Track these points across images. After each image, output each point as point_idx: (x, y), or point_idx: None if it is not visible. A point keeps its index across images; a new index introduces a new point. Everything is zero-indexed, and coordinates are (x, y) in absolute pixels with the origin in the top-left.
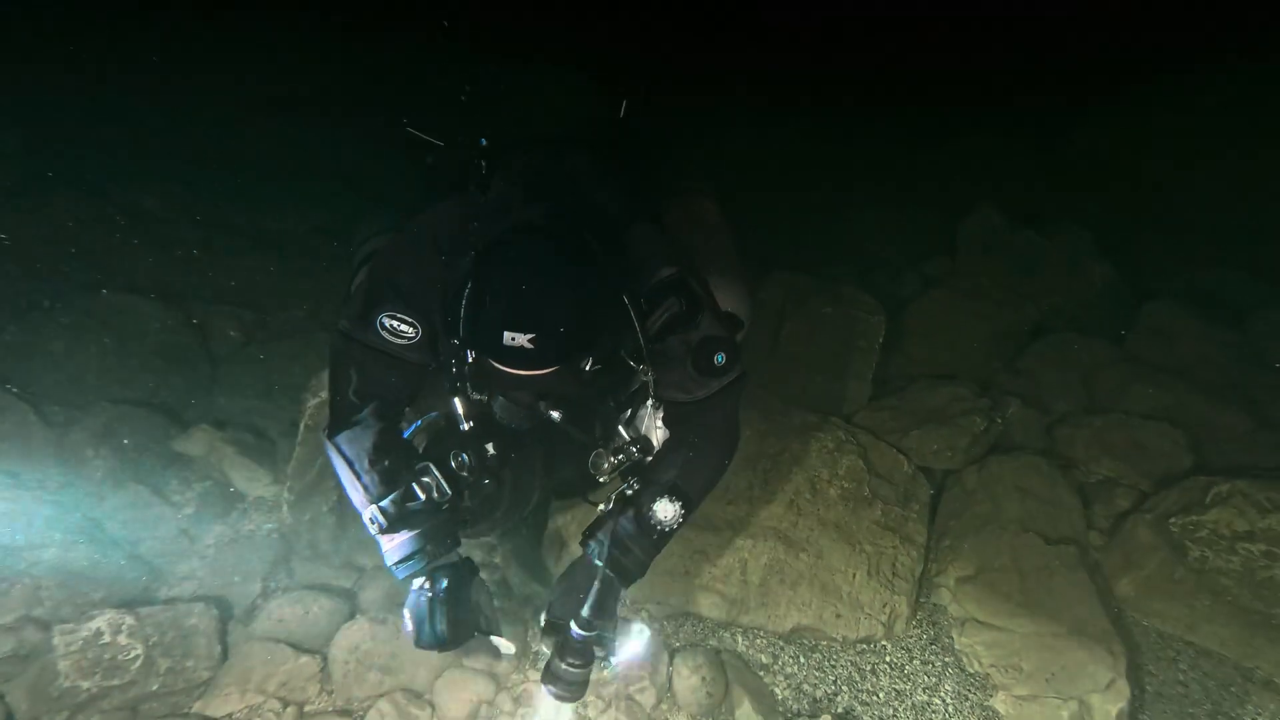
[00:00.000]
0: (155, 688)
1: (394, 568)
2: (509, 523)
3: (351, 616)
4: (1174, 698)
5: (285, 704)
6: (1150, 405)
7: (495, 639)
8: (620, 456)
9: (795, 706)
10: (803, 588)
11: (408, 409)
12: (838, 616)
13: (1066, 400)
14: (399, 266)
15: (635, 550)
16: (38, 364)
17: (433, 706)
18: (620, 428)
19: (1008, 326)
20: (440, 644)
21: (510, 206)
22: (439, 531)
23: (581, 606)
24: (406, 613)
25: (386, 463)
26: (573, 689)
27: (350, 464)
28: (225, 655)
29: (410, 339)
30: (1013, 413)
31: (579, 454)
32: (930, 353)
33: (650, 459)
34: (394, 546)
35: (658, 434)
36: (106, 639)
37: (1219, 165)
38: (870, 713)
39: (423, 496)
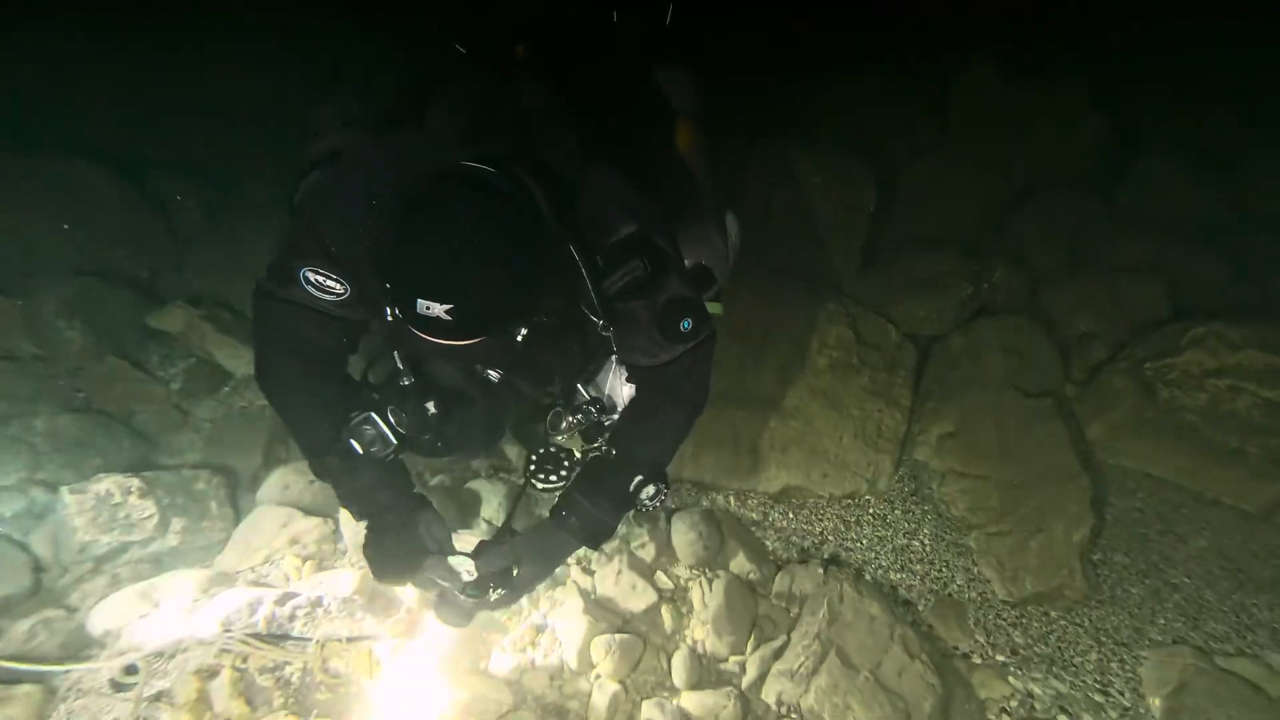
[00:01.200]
0: (175, 544)
1: (353, 514)
2: (474, 454)
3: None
4: (1129, 522)
5: (303, 559)
6: (1134, 259)
7: (452, 560)
8: (579, 416)
9: (785, 555)
10: (792, 451)
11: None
12: (824, 476)
13: (1053, 260)
14: (325, 216)
15: (609, 522)
16: None
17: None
18: (580, 385)
19: (997, 190)
20: (395, 581)
21: (443, 147)
22: (386, 478)
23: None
24: (364, 554)
25: (321, 418)
26: (465, 618)
27: (284, 416)
28: (238, 518)
29: (339, 295)
30: (999, 276)
31: (535, 410)
32: (919, 220)
33: (612, 419)
34: (347, 493)
35: (623, 392)
36: (117, 499)
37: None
38: (854, 557)
39: (360, 452)
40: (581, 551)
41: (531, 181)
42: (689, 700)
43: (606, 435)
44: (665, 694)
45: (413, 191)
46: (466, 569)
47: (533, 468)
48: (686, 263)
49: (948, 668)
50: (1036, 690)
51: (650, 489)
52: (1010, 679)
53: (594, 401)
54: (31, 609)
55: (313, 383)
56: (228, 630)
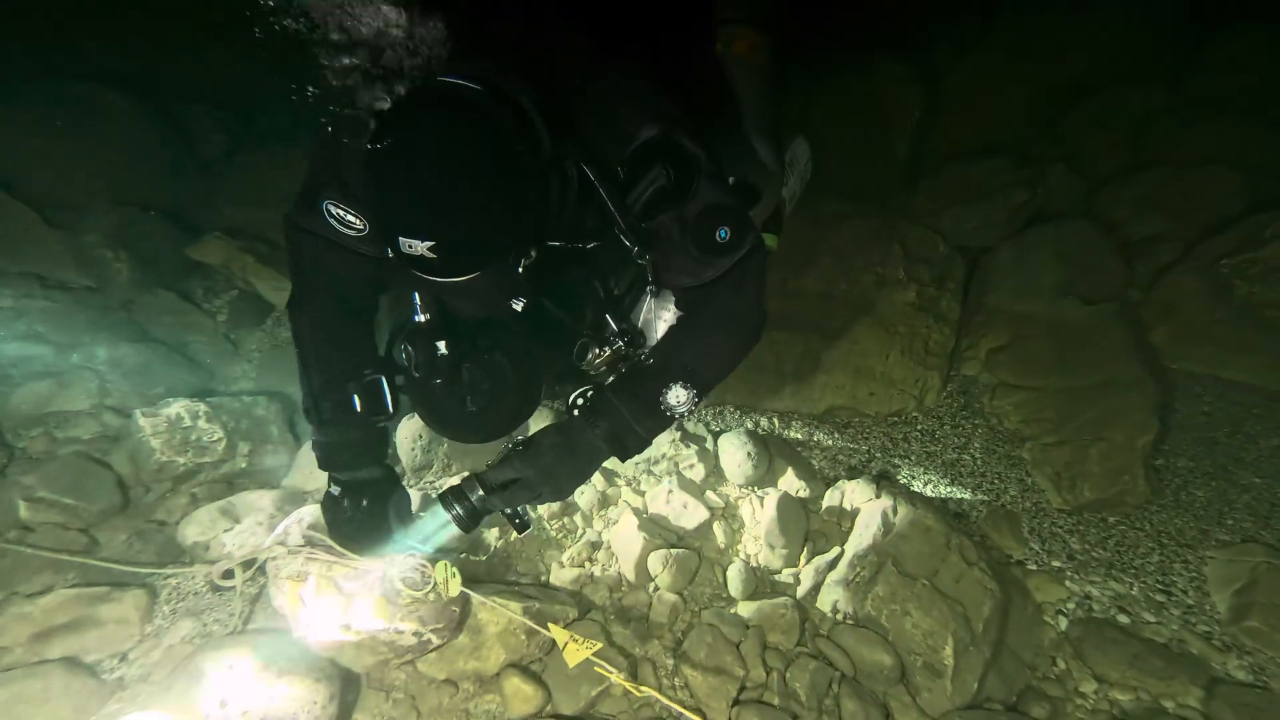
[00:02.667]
0: (244, 465)
1: (319, 461)
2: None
3: (411, 413)
4: (1195, 427)
5: None
6: (1205, 150)
7: (406, 561)
8: (607, 349)
9: (832, 474)
10: (836, 372)
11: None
12: (870, 395)
13: (1113, 160)
14: (338, 146)
15: (638, 429)
16: (20, 162)
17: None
18: (609, 315)
19: (1052, 86)
20: (352, 549)
21: (434, 55)
22: (372, 444)
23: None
24: (324, 512)
25: (331, 359)
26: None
27: (300, 352)
28: (299, 443)
29: (359, 230)
30: (1055, 179)
31: (563, 341)
32: (968, 126)
33: (644, 353)
34: (325, 441)
35: (660, 325)
36: (187, 423)
37: None
38: (902, 473)
39: (359, 408)
40: (630, 471)
41: (528, 98)
42: (746, 609)
43: None
44: (723, 604)
45: (384, 116)
46: (416, 566)
47: (578, 400)
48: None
49: (1003, 574)
50: (1094, 592)
51: (680, 391)
52: (1067, 583)
53: (624, 333)
54: (125, 523)
55: (336, 325)
56: (309, 542)
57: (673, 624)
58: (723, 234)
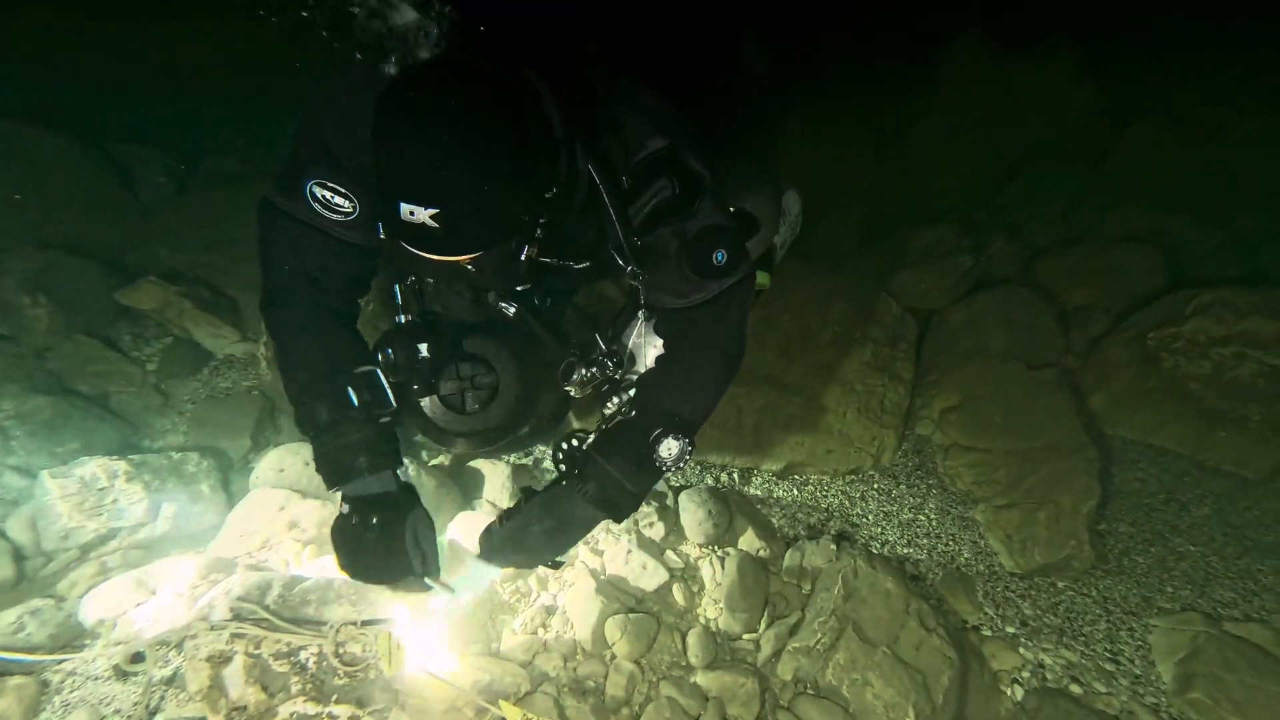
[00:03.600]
0: (166, 529)
1: (325, 476)
2: (515, 439)
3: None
4: (1132, 492)
5: (303, 543)
6: (1129, 229)
7: (431, 583)
8: (594, 370)
9: (792, 532)
10: (795, 428)
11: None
12: (829, 452)
13: (1047, 232)
14: (330, 120)
15: (630, 488)
16: None
17: (450, 545)
18: (599, 337)
19: (987, 162)
20: (366, 580)
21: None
22: (374, 442)
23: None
24: (333, 538)
25: (316, 357)
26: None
27: (280, 347)
28: (231, 502)
29: (347, 214)
30: (996, 248)
31: (547, 360)
32: (913, 193)
33: (630, 379)
34: (325, 454)
35: (650, 350)
36: (103, 483)
37: None
38: (861, 532)
39: (356, 403)
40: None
41: (541, 82)
42: (706, 679)
43: (623, 395)
44: (681, 672)
45: (395, 81)
46: (444, 599)
47: (560, 455)
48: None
49: (961, 641)
50: (1048, 660)
51: (671, 444)
52: (1021, 650)
53: (612, 355)
54: (16, 599)
55: (320, 321)
56: (237, 615)
57: (630, 697)
58: (719, 257)
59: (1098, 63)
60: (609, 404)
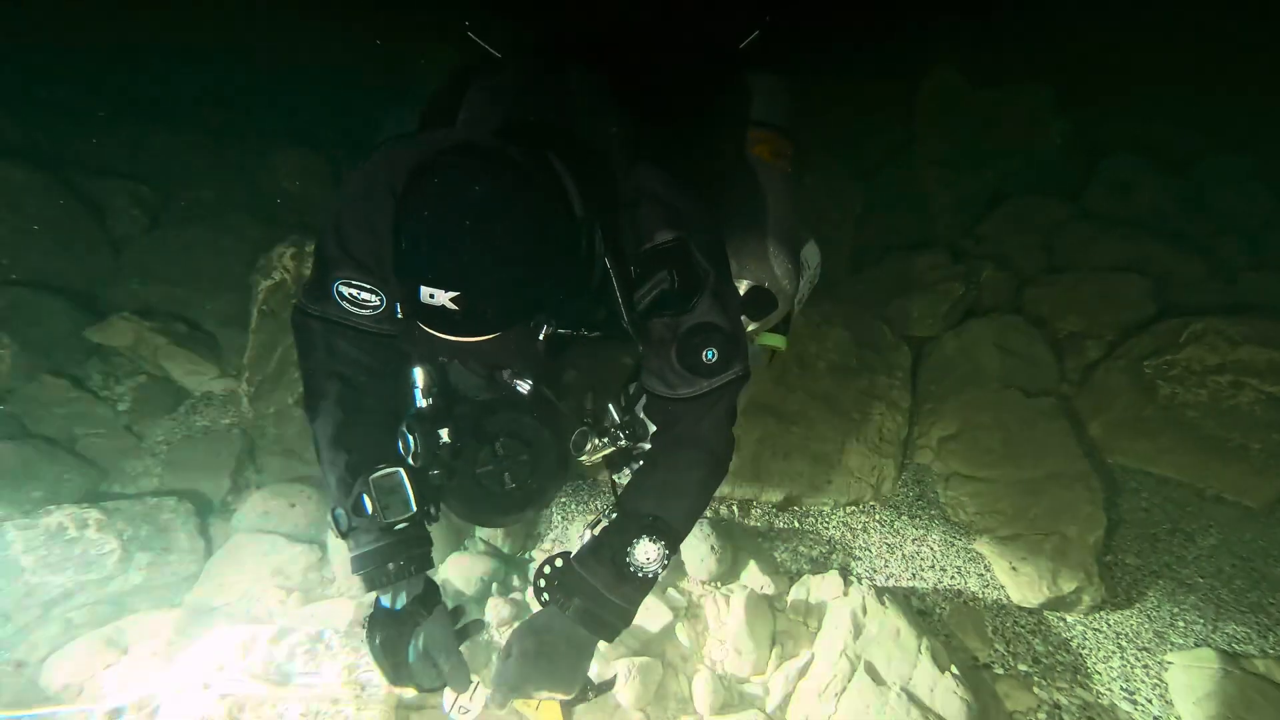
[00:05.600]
0: (138, 581)
1: (359, 577)
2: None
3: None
4: (1136, 522)
5: (288, 591)
6: (1114, 258)
7: (449, 698)
8: (605, 440)
9: (795, 567)
10: (794, 459)
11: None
12: (829, 483)
13: (1031, 262)
14: (350, 221)
15: (614, 599)
16: None
17: (443, 587)
18: (612, 406)
19: (969, 192)
20: (398, 685)
21: (469, 131)
22: (400, 550)
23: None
24: (367, 645)
25: (344, 460)
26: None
27: (318, 454)
28: (210, 549)
29: (375, 308)
30: (986, 276)
31: (561, 430)
32: (899, 222)
33: (642, 450)
34: (355, 556)
35: None
36: (72, 533)
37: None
38: (864, 566)
39: (370, 511)
40: None
41: (561, 166)
42: None
43: (633, 466)
44: (690, 716)
45: (417, 165)
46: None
47: (542, 583)
48: (742, 284)
49: (974, 680)
50: (1063, 700)
51: (648, 547)
52: (1035, 689)
53: (625, 425)
54: None
55: (350, 419)
56: (220, 673)
57: None
58: (709, 355)
59: (1070, 96)
60: (622, 472)
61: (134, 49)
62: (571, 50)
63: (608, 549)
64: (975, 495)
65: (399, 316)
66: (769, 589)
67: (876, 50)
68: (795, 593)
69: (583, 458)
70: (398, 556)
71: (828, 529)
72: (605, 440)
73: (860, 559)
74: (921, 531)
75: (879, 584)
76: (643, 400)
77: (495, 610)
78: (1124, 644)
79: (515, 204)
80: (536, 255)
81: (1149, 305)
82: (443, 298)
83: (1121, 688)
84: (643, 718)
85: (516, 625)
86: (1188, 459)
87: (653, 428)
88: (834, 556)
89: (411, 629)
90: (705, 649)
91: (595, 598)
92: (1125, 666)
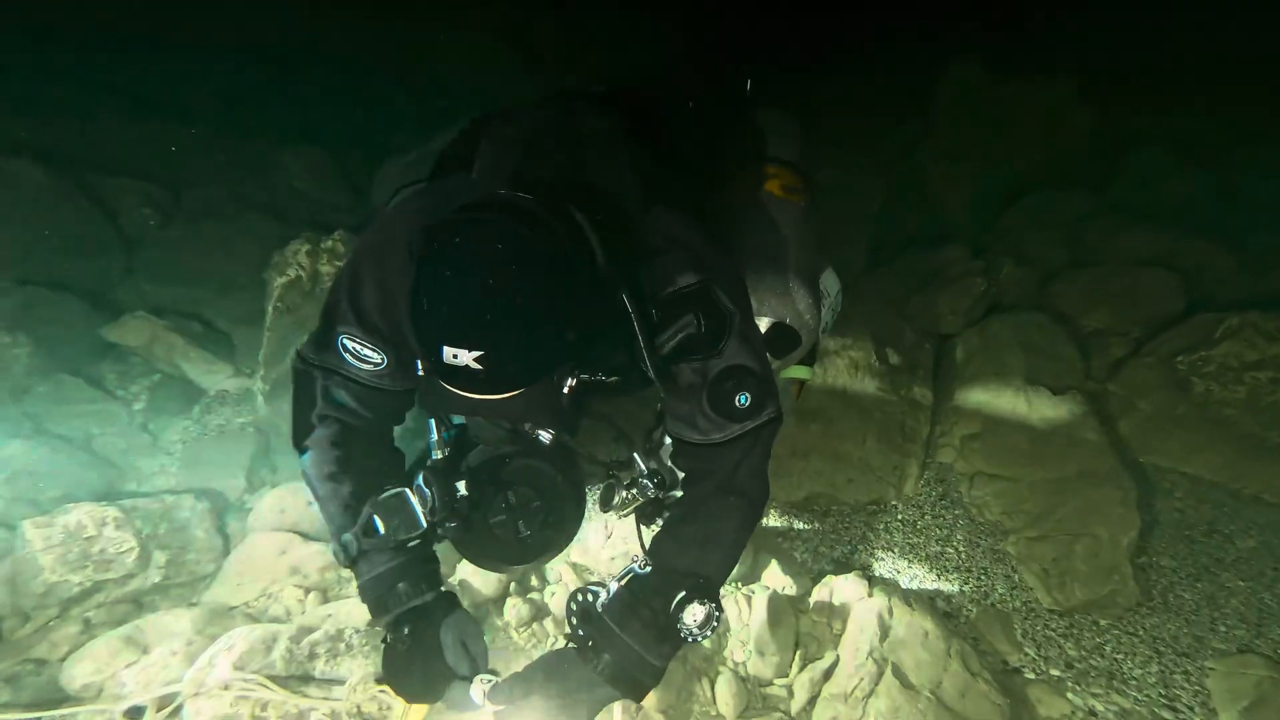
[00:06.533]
0: (157, 580)
1: (368, 607)
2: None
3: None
4: (1171, 524)
5: (306, 590)
6: (1140, 253)
7: (479, 684)
8: (634, 491)
9: (816, 567)
10: (814, 457)
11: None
12: (849, 481)
13: (1054, 256)
14: (363, 277)
15: (652, 660)
16: None
17: (460, 588)
18: (637, 455)
19: (989, 186)
20: (422, 701)
21: (485, 182)
22: (408, 568)
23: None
24: (382, 661)
25: (347, 489)
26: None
27: (311, 489)
28: (227, 547)
29: (377, 365)
30: (1007, 272)
31: (583, 481)
32: (918, 217)
33: (673, 497)
34: (363, 582)
35: None
36: (90, 532)
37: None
38: (887, 566)
39: (383, 531)
40: (605, 568)
41: (581, 215)
42: None
43: (665, 516)
44: None
45: (436, 224)
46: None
47: (574, 620)
48: (764, 323)
49: (1006, 685)
50: (1099, 707)
51: (696, 610)
52: (1069, 695)
53: (653, 474)
54: None
55: (346, 452)
56: (241, 673)
57: None
58: (743, 399)
59: (1095, 88)
60: (655, 524)
61: (144, 49)
62: (581, 96)
63: (647, 607)
64: (1000, 495)
65: (419, 374)
66: (791, 589)
67: (895, 44)
68: (818, 594)
69: (611, 513)
70: (408, 576)
71: (849, 529)
72: (634, 492)
73: (883, 559)
74: (946, 531)
75: (903, 585)
76: (668, 447)
77: (514, 611)
78: (1161, 649)
79: (538, 261)
80: (560, 311)
81: (1179, 300)
82: (466, 357)
83: (1160, 694)
84: (661, 718)
85: (536, 661)
86: (1224, 458)
87: (682, 475)
88: (856, 557)
89: (427, 646)
90: (727, 650)
91: (633, 659)
92: (1163, 672)
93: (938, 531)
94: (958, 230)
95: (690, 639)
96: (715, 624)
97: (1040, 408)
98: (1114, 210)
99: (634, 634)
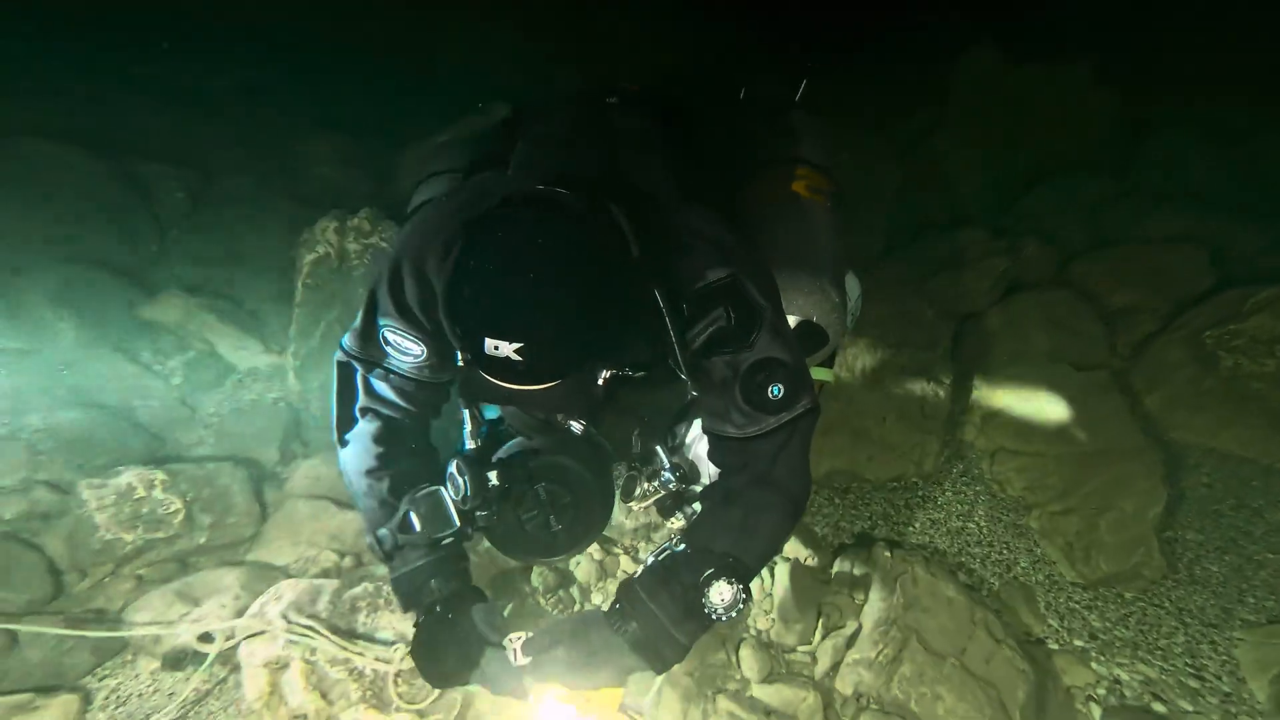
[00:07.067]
0: (202, 541)
1: (400, 601)
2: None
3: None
4: (1198, 498)
5: (341, 554)
6: (1165, 232)
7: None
8: (656, 483)
9: (836, 541)
10: (834, 433)
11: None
12: (869, 459)
13: (1076, 237)
14: (404, 270)
15: (678, 635)
16: None
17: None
18: (660, 448)
19: (1006, 171)
20: (450, 683)
21: (523, 179)
22: (440, 565)
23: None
24: (413, 648)
25: (385, 485)
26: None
27: (349, 485)
28: (265, 513)
29: (417, 357)
30: (1029, 253)
31: (610, 467)
32: (935, 200)
33: (694, 491)
34: (396, 580)
35: (713, 466)
36: (140, 493)
37: None
38: (909, 541)
39: (418, 528)
40: (628, 540)
41: (617, 211)
42: (764, 693)
43: (686, 510)
44: (737, 686)
45: (477, 218)
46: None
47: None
48: (791, 320)
49: (1030, 653)
50: (1124, 676)
51: (724, 588)
52: (1094, 664)
53: (675, 468)
54: (55, 615)
55: (387, 449)
56: (289, 620)
57: (687, 711)
58: (775, 390)
59: (1114, 72)
60: (674, 518)
61: (169, 43)
62: (613, 92)
63: (678, 583)
64: (1022, 470)
65: (458, 364)
66: (812, 560)
67: (913, 28)
68: (840, 565)
69: (632, 503)
70: (440, 572)
71: (870, 504)
72: (655, 485)
73: (904, 534)
74: (967, 507)
75: (925, 558)
76: (693, 440)
77: (542, 577)
78: (1187, 620)
79: (577, 255)
80: (598, 305)
81: (1206, 277)
82: (506, 349)
83: (1187, 664)
84: (690, 682)
85: (566, 617)
86: (1253, 432)
87: (704, 469)
88: (876, 531)
89: (460, 624)
90: (750, 619)
91: (657, 629)
92: (1190, 642)
93: (959, 507)
94: (976, 215)
95: (715, 616)
96: (741, 607)
97: (1064, 384)
98: (1136, 193)
99: (661, 605)
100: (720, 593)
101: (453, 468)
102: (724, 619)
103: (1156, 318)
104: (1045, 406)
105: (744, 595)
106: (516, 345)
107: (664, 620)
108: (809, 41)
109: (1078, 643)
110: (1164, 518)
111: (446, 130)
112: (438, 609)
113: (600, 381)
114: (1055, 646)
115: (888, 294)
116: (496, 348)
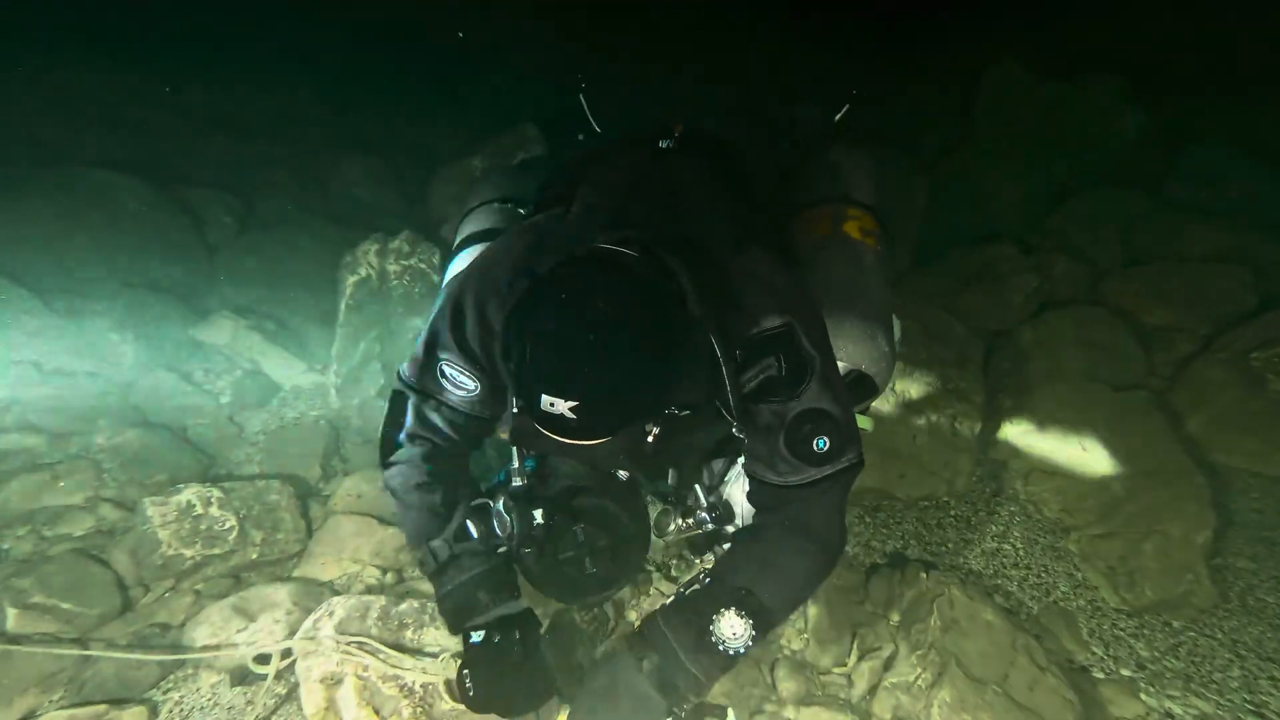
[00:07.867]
0: (254, 557)
1: (448, 617)
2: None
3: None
4: (1249, 525)
5: (384, 570)
6: (1204, 249)
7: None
8: (690, 520)
9: (868, 561)
10: (864, 452)
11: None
12: (900, 477)
13: (1109, 254)
14: (467, 307)
15: (692, 668)
16: (25, 249)
17: None
18: (698, 487)
19: (1035, 186)
20: (511, 711)
21: (585, 230)
22: (491, 577)
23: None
24: (466, 671)
25: (438, 497)
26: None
27: (398, 500)
28: (310, 529)
29: (470, 392)
30: (1060, 270)
31: (644, 509)
32: (962, 217)
33: (727, 532)
34: (447, 592)
35: (749, 507)
36: (199, 510)
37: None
38: (943, 562)
39: (476, 535)
40: (659, 557)
41: (677, 264)
42: (801, 716)
43: (718, 550)
44: (774, 707)
45: (542, 275)
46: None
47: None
48: (842, 367)
49: (1075, 682)
50: (1176, 710)
51: (734, 621)
52: (1143, 696)
53: (711, 507)
54: (124, 628)
55: (436, 467)
56: (347, 635)
57: None
58: (820, 444)
59: (1146, 88)
60: (705, 557)
61: (209, 73)
62: (665, 134)
63: (693, 612)
64: (1059, 491)
65: (512, 409)
66: (842, 581)
67: (938, 42)
68: (874, 585)
69: (665, 539)
70: (488, 584)
71: (901, 524)
72: (690, 522)
73: (937, 554)
74: (1002, 528)
75: (960, 580)
76: (731, 480)
77: None
78: (1243, 652)
79: (637, 319)
80: (655, 369)
81: (1250, 296)
82: (562, 406)
83: (1245, 699)
84: (726, 704)
85: (597, 672)
86: None
87: (739, 510)
88: (909, 552)
89: (528, 658)
90: (784, 640)
91: (672, 660)
92: (1247, 677)
93: (993, 528)
94: (1005, 229)
95: (720, 646)
96: (751, 643)
97: (1101, 403)
98: (1171, 208)
99: (678, 637)
100: (730, 625)
101: (500, 505)
102: (730, 652)
103: (1196, 337)
104: (1081, 426)
105: (754, 631)
106: (572, 404)
107: (678, 650)
108: (851, 58)
109: (1125, 672)
110: (1213, 544)
111: (478, 153)
112: (493, 638)
113: (650, 437)
114: (1101, 675)
115: (918, 309)
116: (552, 404)
